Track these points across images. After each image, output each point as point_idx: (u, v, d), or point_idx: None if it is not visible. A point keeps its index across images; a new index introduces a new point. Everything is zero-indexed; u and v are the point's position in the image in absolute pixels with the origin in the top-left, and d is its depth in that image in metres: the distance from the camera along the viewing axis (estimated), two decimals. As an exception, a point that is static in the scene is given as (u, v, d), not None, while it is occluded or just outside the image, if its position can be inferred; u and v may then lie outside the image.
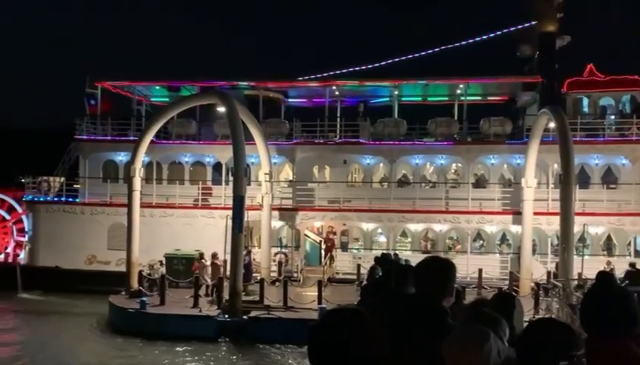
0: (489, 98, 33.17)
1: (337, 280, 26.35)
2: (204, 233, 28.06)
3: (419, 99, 33.60)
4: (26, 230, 31.68)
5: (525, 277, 24.77)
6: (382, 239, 29.89)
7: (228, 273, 22.35)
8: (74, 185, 31.64)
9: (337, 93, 31.15)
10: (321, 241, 29.33)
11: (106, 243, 29.53)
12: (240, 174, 21.90)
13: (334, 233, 29.49)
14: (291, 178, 30.35)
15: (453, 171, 30.62)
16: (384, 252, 19.83)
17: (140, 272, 24.08)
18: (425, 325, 3.06)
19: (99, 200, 29.97)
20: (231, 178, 24.80)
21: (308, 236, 31.35)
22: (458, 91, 30.45)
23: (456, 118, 30.15)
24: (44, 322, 23.49)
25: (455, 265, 3.40)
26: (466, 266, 25.58)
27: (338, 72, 34.09)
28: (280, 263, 27.27)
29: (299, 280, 26.43)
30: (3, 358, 18.86)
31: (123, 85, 32.36)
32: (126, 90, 32.65)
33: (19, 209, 32.51)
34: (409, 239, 29.78)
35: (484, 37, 35.12)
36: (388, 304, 3.37)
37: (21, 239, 32.06)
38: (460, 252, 27.72)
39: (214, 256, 23.32)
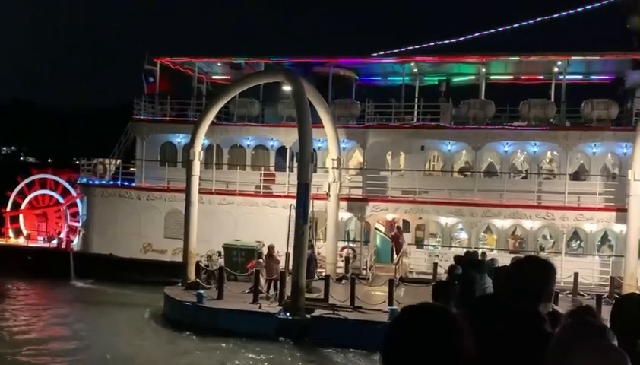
0: (591, 77, 31.86)
1: (411, 280, 26.06)
2: (266, 223, 28.40)
3: (510, 77, 32.81)
4: (80, 214, 33.02)
5: (629, 283, 23.72)
6: (463, 235, 29.42)
7: (289, 268, 22.53)
8: (131, 169, 32.67)
9: (415, 70, 30.76)
10: (393, 236, 29.11)
11: (162, 231, 30.40)
12: (306, 160, 21.93)
13: (397, 228, 29.34)
14: (361, 165, 30.21)
15: (548, 160, 29.72)
16: (469, 250, 19.37)
17: (197, 263, 24.62)
18: (518, 332, 2.99)
19: (156, 185, 30.84)
20: (296, 164, 24.91)
21: (379, 230, 31.12)
22: (556, 69, 29.49)
23: (553, 99, 29.29)
24: (96, 313, 24.48)
25: (555, 265, 3.33)
26: (560, 269, 24.64)
27: (417, 47, 33.56)
28: (347, 259, 27.25)
29: (368, 279, 26.35)
30: (53, 350, 19.77)
31: (183, 61, 33.04)
32: (186, 66, 33.33)
33: (73, 192, 33.94)
34: (494, 237, 29.14)
35: (587, 7, 33.65)
36: (477, 308, 3.35)
37: (75, 224, 33.47)
38: (553, 253, 26.79)
39: (271, 249, 23.51)
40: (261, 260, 23.80)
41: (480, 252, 22.91)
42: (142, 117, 32.05)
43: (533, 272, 3.22)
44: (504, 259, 25.10)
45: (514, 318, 3.06)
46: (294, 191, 23.47)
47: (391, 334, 1.82)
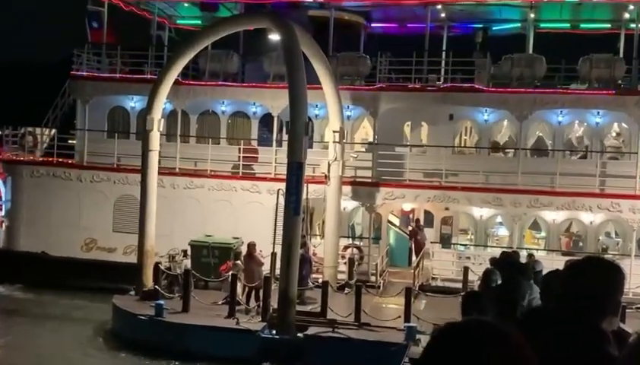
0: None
1: (434, 289, 26.12)
2: (246, 214, 28.44)
3: (566, 26, 32.81)
4: (2, 200, 32.94)
5: None
6: (503, 231, 29.46)
7: (276, 272, 22.59)
8: (69, 141, 32.60)
9: (442, 14, 30.68)
10: (411, 231, 29.15)
11: (110, 223, 30.39)
12: (299, 131, 21.87)
13: (417, 222, 29.44)
14: (371, 139, 30.19)
15: (614, 134, 29.67)
16: (510, 250, 19.44)
17: (156, 265, 24.60)
18: (576, 355, 3.01)
19: (102, 162, 30.78)
20: (285, 137, 24.81)
21: (393, 224, 31.12)
22: (627, 15, 29.44)
23: (621, 55, 29.24)
24: (23, 329, 24.45)
25: (624, 270, 3.37)
26: (628, 276, 24.66)
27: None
28: (351, 261, 27.27)
29: (379, 287, 26.39)
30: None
31: (139, 1, 32.85)
32: (143, 8, 33.17)
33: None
34: (542, 234, 29.17)
35: None
36: (527, 322, 3.35)
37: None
38: (619, 256, 26.81)
39: (252, 248, 23.56)
40: (238, 262, 23.81)
41: (524, 253, 23.10)
42: (84, 74, 31.89)
43: (594, 277, 3.24)
44: (554, 263, 25.26)
45: (570, 338, 3.08)
46: (283, 172, 23.37)
47: (433, 353, 1.89)
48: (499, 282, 10.12)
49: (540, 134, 29.99)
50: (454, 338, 1.89)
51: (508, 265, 10.31)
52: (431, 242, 29.06)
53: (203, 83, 30.84)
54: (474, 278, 22.67)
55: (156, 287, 23.82)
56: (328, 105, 27.28)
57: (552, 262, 25.05)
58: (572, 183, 27.51)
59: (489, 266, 13.83)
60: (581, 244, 28.38)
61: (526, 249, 27.89)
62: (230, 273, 22.99)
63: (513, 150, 29.64)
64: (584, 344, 3.04)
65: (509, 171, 28.15)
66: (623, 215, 27.38)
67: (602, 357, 2.94)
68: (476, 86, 28.97)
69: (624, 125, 29.06)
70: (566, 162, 28.66)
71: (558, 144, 29.09)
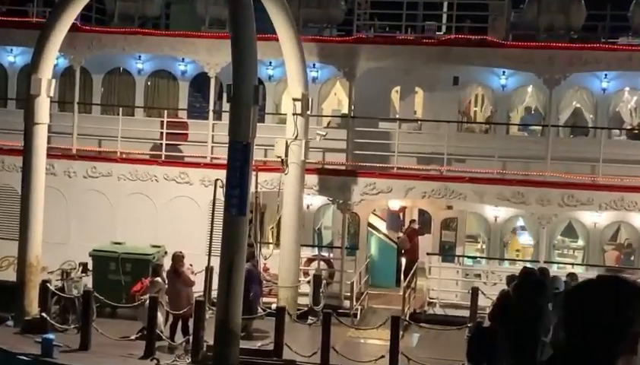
0: None
1: (431, 319, 26.18)
2: (171, 213, 28.40)
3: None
4: None
5: None
6: (526, 239, 29.65)
7: (213, 294, 22.47)
8: None
9: (445, -60, 30.69)
10: (404, 237, 29.21)
11: (-22, 225, 30.16)
12: (245, 99, 21.78)
13: (412, 223, 29.48)
14: (346, 110, 30.19)
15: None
16: (528, 266, 19.47)
17: (44, 284, 24.38)
18: None
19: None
20: (227, 107, 24.64)
21: (377, 229, 31.10)
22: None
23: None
24: None
25: None
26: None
27: None
28: (317, 279, 27.22)
29: (355, 315, 26.45)
30: None
31: None
32: None
33: None
34: (579, 243, 29.35)
35: None
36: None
37: None
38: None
39: (178, 261, 23.38)
40: (158, 279, 23.59)
41: (555, 269, 23.16)
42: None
43: (607, 304, 3.48)
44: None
45: None
46: (223, 155, 23.29)
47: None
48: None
49: (578, 105, 30.12)
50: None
51: (529, 286, 10.26)
52: (427, 254, 29.17)
53: (111, 29, 30.64)
54: (486, 304, 22.75)
55: (44, 314, 23.60)
56: (286, 62, 27.19)
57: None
58: (621, 174, 27.62)
59: (505, 288, 13.89)
60: (632, 258, 28.61)
61: (558, 263, 28.10)
62: (148, 295, 22.83)
63: (540, 128, 29.68)
64: None
65: (534, 156, 28.30)
66: (689, 218, 27.68)
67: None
68: (490, 38, 28.99)
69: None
70: (613, 144, 28.80)
71: (601, 120, 29.26)
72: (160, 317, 22.66)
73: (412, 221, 30.65)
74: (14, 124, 27.58)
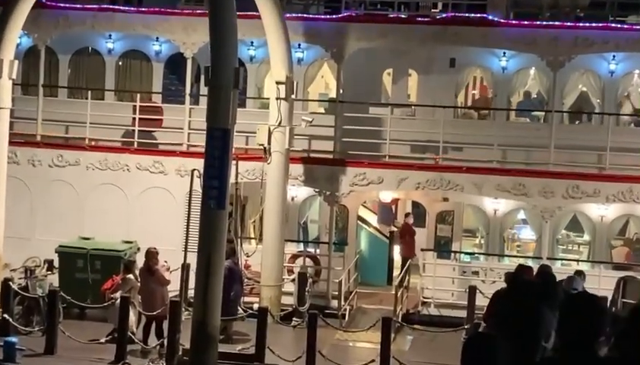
0: None
1: (425, 320, 26.40)
2: (144, 205, 28.52)
3: None
4: None
5: None
6: (527, 234, 29.81)
7: (190, 294, 22.64)
8: None
9: None
10: (392, 234, 29.34)
11: None
12: (224, 83, 21.76)
13: (406, 217, 29.66)
14: (334, 94, 30.27)
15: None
16: (531, 262, 19.69)
17: (5, 282, 24.44)
18: None
19: None
20: (205, 90, 24.72)
21: (367, 223, 31.25)
22: None
23: None
24: None
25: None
26: None
27: None
28: (302, 277, 27.41)
29: (343, 316, 26.63)
30: None
31: None
32: None
33: None
34: (584, 238, 29.55)
35: None
36: None
37: None
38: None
39: (152, 257, 23.44)
40: (130, 276, 23.73)
41: (558, 267, 23.41)
42: None
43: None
44: (602, 282, 25.63)
45: None
46: (200, 143, 23.43)
47: None
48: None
49: (584, 89, 30.24)
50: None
51: (525, 286, 10.53)
52: (421, 250, 29.36)
53: (79, 6, 30.54)
54: (485, 303, 22.89)
55: (5, 316, 23.64)
56: (269, 42, 27.24)
57: (598, 280, 25.61)
58: (631, 164, 27.84)
59: (502, 288, 14.16)
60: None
61: (562, 259, 28.15)
62: (119, 293, 22.96)
63: (543, 114, 29.91)
64: None
65: (537, 145, 28.45)
66: None
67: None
68: (490, 17, 29.05)
69: None
70: (622, 131, 28.93)
71: (609, 105, 29.32)
72: (133, 317, 22.69)
73: (407, 215, 30.81)
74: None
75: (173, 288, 23.56)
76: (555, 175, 27.93)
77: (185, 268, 23.93)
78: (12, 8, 25.66)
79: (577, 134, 29.01)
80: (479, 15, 29.30)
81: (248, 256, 27.38)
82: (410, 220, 30.60)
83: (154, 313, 22.91)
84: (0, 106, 25.47)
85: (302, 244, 30.04)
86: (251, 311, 24.00)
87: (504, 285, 15.93)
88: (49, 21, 29.67)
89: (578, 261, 28.05)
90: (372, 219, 32.24)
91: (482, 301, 23.83)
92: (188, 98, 29.63)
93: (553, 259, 26.53)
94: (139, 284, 23.29)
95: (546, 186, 27.96)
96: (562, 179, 27.92)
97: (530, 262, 24.15)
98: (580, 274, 20.61)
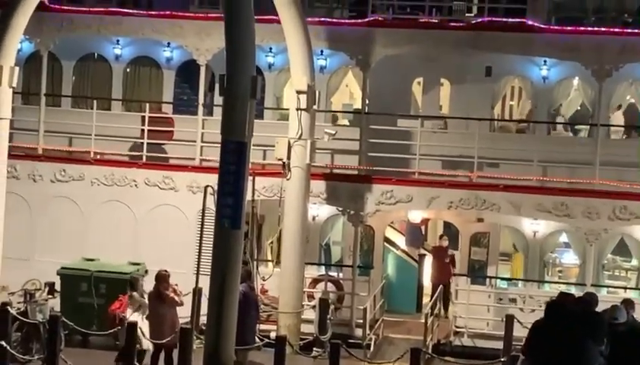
0: None
1: (458, 352, 26.35)
2: (153, 225, 28.61)
3: None
4: None
5: None
6: (570, 258, 29.79)
7: (202, 320, 22.55)
8: None
9: None
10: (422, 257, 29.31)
11: None
12: (241, 92, 21.81)
13: (441, 240, 29.78)
14: (359, 105, 30.28)
15: None
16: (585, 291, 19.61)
17: (3, 307, 24.44)
18: None
19: None
20: (219, 100, 24.78)
21: (395, 245, 31.24)
22: None
23: None
24: None
25: None
26: None
27: None
28: (324, 303, 27.35)
29: (368, 347, 26.61)
30: None
31: None
32: None
33: None
34: (633, 263, 29.49)
35: None
36: None
37: None
38: None
39: (162, 281, 23.34)
40: (135, 294, 23.54)
41: (604, 294, 23.30)
42: None
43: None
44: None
45: None
46: (214, 157, 23.44)
47: None
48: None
49: (632, 100, 30.27)
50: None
51: (567, 316, 10.41)
52: (453, 275, 29.35)
53: (85, 9, 30.73)
54: (523, 334, 22.73)
55: (3, 343, 23.65)
56: (289, 48, 27.29)
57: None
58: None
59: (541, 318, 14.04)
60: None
61: (607, 286, 28.05)
62: (128, 313, 22.89)
63: (587, 127, 29.81)
64: None
65: (580, 161, 28.38)
66: None
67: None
68: (530, 22, 29.09)
69: None
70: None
71: (661, 120, 29.23)
72: (145, 343, 22.53)
73: (441, 236, 30.63)
74: (-31, 119, 27.69)
75: (184, 314, 23.43)
76: (600, 194, 27.87)
77: (197, 292, 24.09)
78: (13, 11, 25.75)
79: (624, 150, 28.84)
80: (517, 20, 29.24)
81: (264, 280, 27.47)
82: (445, 243, 30.25)
83: (163, 341, 22.74)
84: (0, 117, 25.54)
85: (323, 267, 30.08)
86: (267, 340, 23.94)
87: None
88: (52, 25, 29.88)
89: (625, 288, 27.94)
90: (400, 241, 32.11)
91: (520, 331, 23.50)
92: (201, 108, 29.70)
93: (598, 286, 26.40)
94: (147, 308, 23.22)
95: (591, 207, 27.89)
96: (609, 199, 27.85)
97: (572, 289, 24.13)
98: (628, 302, 20.38)
